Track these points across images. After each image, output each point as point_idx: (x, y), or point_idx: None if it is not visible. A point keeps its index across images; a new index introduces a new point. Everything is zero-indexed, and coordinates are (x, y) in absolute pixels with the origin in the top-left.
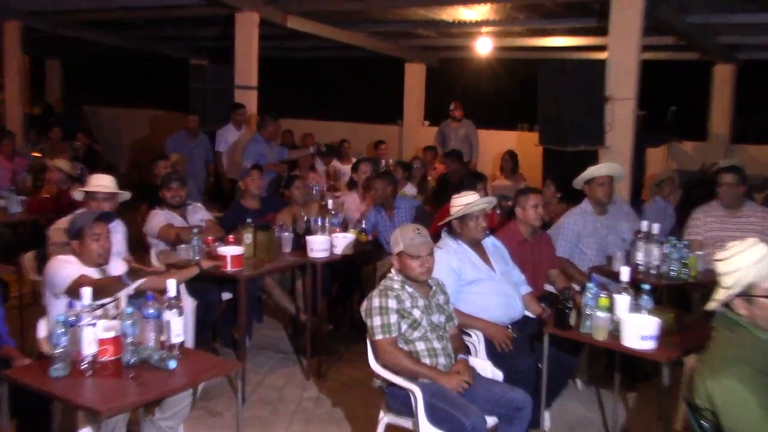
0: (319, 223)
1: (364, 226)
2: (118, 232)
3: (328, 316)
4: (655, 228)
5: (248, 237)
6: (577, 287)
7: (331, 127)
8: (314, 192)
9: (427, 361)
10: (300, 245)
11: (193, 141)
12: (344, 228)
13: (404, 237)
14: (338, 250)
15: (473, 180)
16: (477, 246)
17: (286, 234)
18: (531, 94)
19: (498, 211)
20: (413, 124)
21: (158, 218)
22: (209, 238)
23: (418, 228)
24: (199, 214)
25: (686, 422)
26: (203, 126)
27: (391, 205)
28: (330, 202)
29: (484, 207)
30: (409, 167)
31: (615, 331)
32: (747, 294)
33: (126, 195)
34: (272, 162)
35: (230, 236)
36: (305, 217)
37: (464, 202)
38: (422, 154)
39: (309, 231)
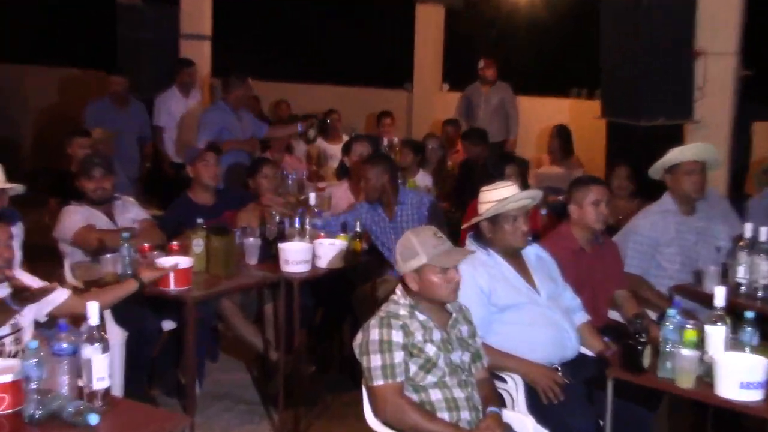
0: (297, 225)
1: (359, 228)
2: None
3: (309, 353)
4: (764, 233)
5: (199, 244)
6: (653, 315)
7: (315, 93)
8: (290, 182)
9: (445, 416)
10: (270, 255)
11: (122, 111)
12: (332, 232)
13: (425, 244)
14: (323, 262)
15: (507, 165)
16: (515, 258)
17: (252, 240)
18: (590, 47)
19: (544, 210)
20: (427, 88)
21: (74, 217)
22: (145, 245)
23: (437, 231)
24: (131, 212)
25: None
26: (137, 91)
27: (390, 201)
28: (312, 197)
29: (526, 204)
30: (421, 148)
31: (706, 376)
32: None
33: (18, 188)
34: (241, 138)
35: (174, 243)
36: (277, 217)
37: (497, 196)
38: (440, 130)
39: (283, 236)
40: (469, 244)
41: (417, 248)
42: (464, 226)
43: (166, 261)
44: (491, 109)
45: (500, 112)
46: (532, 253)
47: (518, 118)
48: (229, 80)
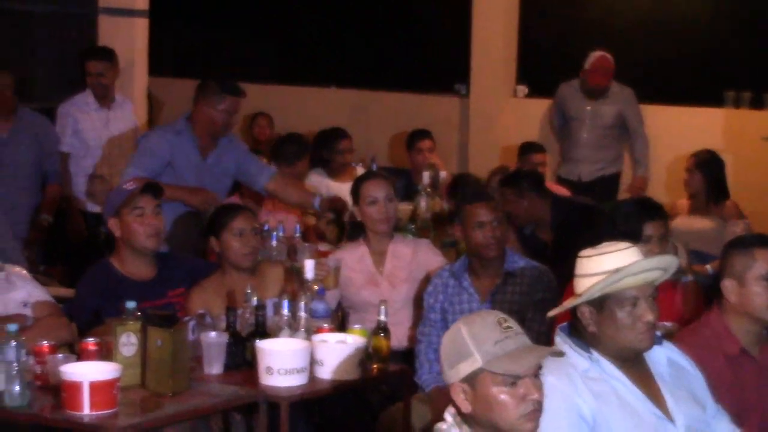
0: (285, 311)
1: (383, 317)
2: None
3: None
4: None
5: (129, 342)
6: None
7: (319, 100)
8: (274, 242)
9: None
10: (244, 360)
11: (3, 129)
12: (340, 322)
13: (481, 338)
14: (327, 372)
15: (650, 221)
16: (634, 365)
17: (214, 336)
18: (755, 31)
19: (683, 280)
20: (493, 92)
21: None
22: (43, 343)
23: (503, 318)
24: (21, 292)
25: None
26: (28, 98)
27: (494, 270)
28: (309, 266)
29: (653, 278)
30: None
31: None
32: None
33: None
34: (190, 186)
35: (89, 340)
36: (252, 298)
37: (606, 266)
38: (514, 158)
39: (263, 329)
40: (561, 341)
41: (468, 343)
42: (553, 313)
43: (72, 370)
44: (602, 126)
45: (615, 132)
46: (663, 357)
47: (648, 143)
48: (207, 87)
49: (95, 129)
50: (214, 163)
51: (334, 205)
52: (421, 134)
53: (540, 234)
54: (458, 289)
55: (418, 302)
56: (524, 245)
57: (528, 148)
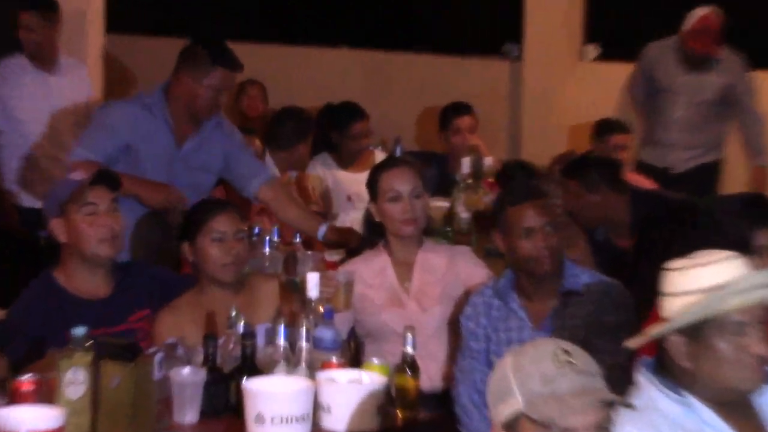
0: (281, 340)
1: (410, 348)
2: None
3: None
4: None
5: (77, 379)
6: None
7: (325, 64)
8: (267, 251)
9: None
10: (226, 404)
11: None
12: (353, 354)
13: (526, 374)
14: (336, 420)
15: (764, 226)
16: (737, 409)
17: (186, 372)
18: None
19: None
20: (554, 54)
21: None
22: None
23: (564, 349)
24: None
25: None
26: None
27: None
28: (312, 281)
29: (764, 297)
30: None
31: None
32: None
33: None
34: (183, 179)
35: (26, 377)
36: (238, 323)
37: (704, 282)
38: (584, 141)
39: (251, 363)
40: (644, 381)
41: (511, 379)
42: (633, 344)
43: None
44: (703, 102)
45: (718, 110)
46: None
47: (764, 123)
48: (192, 53)
49: (32, 99)
50: (190, 153)
51: (345, 238)
52: (459, 109)
53: (616, 240)
54: (505, 312)
55: (454, 328)
56: (596, 254)
57: (607, 128)
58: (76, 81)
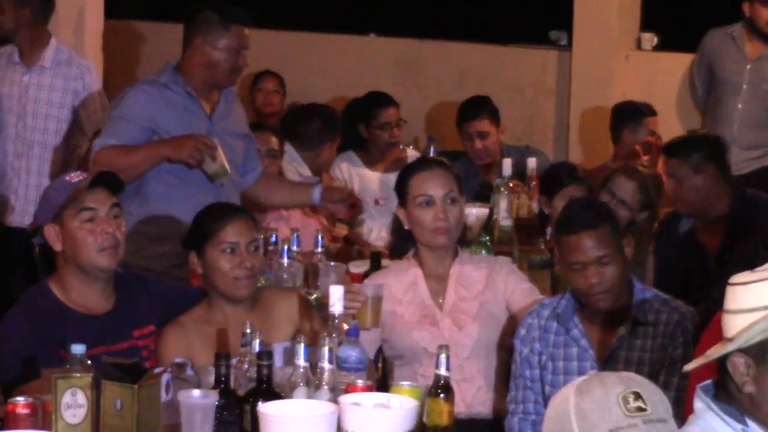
0: (301, 361)
1: (444, 370)
2: None
3: None
4: None
5: (75, 402)
6: None
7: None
8: (285, 261)
9: None
10: (240, 429)
11: None
12: (380, 376)
13: (588, 417)
14: None
15: None
16: None
17: (196, 395)
18: None
19: None
20: (607, 43)
21: None
22: None
23: (634, 393)
24: None
25: None
26: None
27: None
28: (337, 294)
29: None
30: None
31: None
32: None
33: None
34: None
35: (18, 400)
36: (253, 342)
37: None
38: (613, 130)
39: (267, 386)
40: (702, 407)
41: (573, 425)
42: (691, 366)
43: None
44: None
45: None
46: None
47: None
48: (200, 17)
49: (11, 98)
50: (220, 120)
51: (345, 196)
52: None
53: (700, 236)
54: (564, 338)
55: (491, 349)
56: (675, 246)
57: (634, 112)
58: (60, 79)
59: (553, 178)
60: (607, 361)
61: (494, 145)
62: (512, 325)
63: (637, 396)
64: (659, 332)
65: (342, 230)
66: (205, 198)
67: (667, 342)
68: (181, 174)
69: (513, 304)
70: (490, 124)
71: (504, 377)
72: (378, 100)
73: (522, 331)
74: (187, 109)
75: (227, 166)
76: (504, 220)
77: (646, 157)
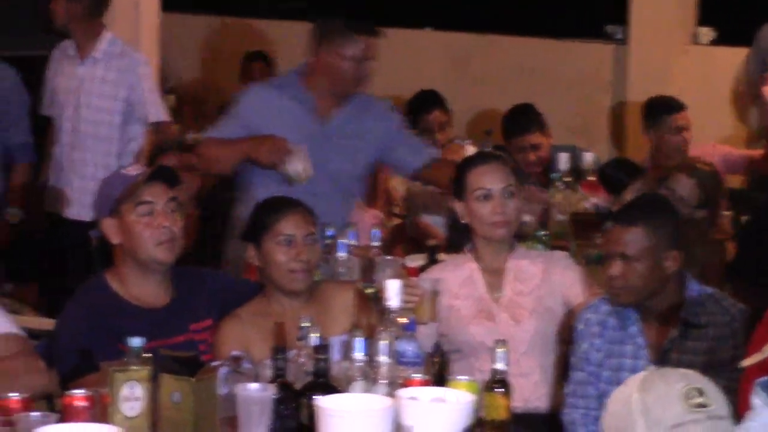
0: (359, 354)
1: (501, 364)
2: None
3: None
4: None
5: (132, 395)
6: None
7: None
8: (342, 255)
9: None
10: (297, 423)
11: None
12: (437, 370)
13: (650, 412)
14: None
15: None
16: None
17: (253, 388)
18: None
19: None
20: (663, 37)
21: None
22: (10, 396)
23: (696, 389)
24: None
25: None
26: None
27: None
28: (394, 288)
29: None
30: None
31: None
32: None
33: None
34: (332, 159)
35: (75, 393)
36: (310, 335)
37: None
38: (645, 126)
39: (324, 379)
40: (760, 404)
41: (636, 420)
42: (746, 363)
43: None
44: None
45: None
46: None
47: None
48: (327, 26)
49: (68, 91)
50: (337, 130)
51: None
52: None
53: None
54: (621, 335)
55: (548, 343)
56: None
57: (664, 107)
58: (113, 71)
59: (608, 173)
60: (658, 363)
61: (546, 152)
62: (570, 319)
63: (699, 392)
64: (710, 335)
65: (394, 221)
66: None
67: (716, 344)
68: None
69: (570, 299)
70: (540, 135)
71: (562, 372)
72: (423, 102)
73: (580, 326)
74: (296, 113)
75: (308, 172)
76: (560, 215)
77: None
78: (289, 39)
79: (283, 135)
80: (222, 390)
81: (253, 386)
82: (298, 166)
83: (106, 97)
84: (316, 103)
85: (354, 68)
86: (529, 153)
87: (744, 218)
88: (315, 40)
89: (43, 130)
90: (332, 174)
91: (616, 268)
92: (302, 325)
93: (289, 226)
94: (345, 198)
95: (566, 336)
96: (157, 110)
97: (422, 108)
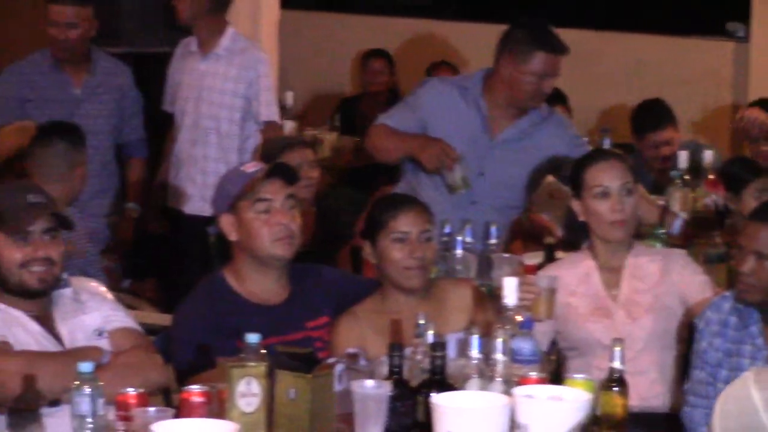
0: (475, 352)
1: (618, 362)
2: None
3: None
4: None
5: (249, 391)
6: None
7: None
8: (458, 252)
9: None
10: (413, 420)
11: (76, 81)
12: (554, 368)
13: None
14: None
15: None
16: None
17: (369, 385)
18: None
19: None
20: None
21: None
22: (127, 390)
23: None
24: (93, 315)
25: None
26: (114, 38)
27: None
28: (510, 286)
29: None
30: None
31: None
32: None
33: None
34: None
35: (192, 388)
36: (427, 333)
37: None
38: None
39: (441, 377)
40: None
41: (763, 419)
42: None
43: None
44: None
45: None
46: None
47: None
48: (511, 36)
49: (189, 87)
50: (506, 144)
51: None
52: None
53: None
54: (740, 334)
55: (666, 341)
56: None
57: None
58: (235, 68)
59: (736, 172)
60: None
61: (676, 146)
62: (689, 317)
63: None
64: None
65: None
66: (465, 212)
67: None
68: None
69: (689, 298)
70: (673, 130)
71: (681, 370)
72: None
73: (701, 324)
74: (469, 121)
75: (466, 182)
76: (679, 213)
77: None
78: (409, 36)
79: (451, 137)
80: (338, 387)
81: (369, 383)
82: (458, 174)
83: (227, 93)
84: (490, 113)
85: (533, 84)
86: (663, 148)
87: None
88: (498, 49)
89: (164, 127)
90: (492, 185)
91: (748, 264)
92: (419, 322)
93: (404, 224)
94: (504, 209)
95: (685, 334)
96: (270, 110)
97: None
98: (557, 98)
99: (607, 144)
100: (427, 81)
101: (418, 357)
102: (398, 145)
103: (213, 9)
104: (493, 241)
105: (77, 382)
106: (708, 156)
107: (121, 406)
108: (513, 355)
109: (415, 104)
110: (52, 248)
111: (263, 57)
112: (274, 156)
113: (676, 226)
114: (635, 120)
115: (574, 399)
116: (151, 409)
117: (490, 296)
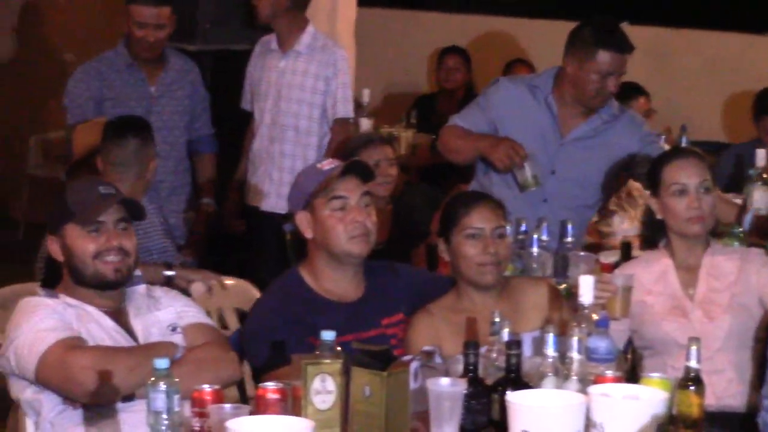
0: (551, 350)
1: (695, 362)
2: None
3: None
4: None
5: (324, 388)
6: None
7: None
8: (534, 250)
9: None
10: (488, 419)
11: (153, 79)
12: (630, 367)
13: None
14: None
15: None
16: None
17: (445, 383)
18: None
19: None
20: None
21: (38, 324)
22: (203, 388)
23: None
24: (167, 311)
25: None
26: (191, 38)
27: None
28: (585, 284)
29: None
30: None
31: None
32: None
33: None
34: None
35: (267, 385)
36: (502, 331)
37: None
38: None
39: (516, 375)
40: None
41: None
42: None
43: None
44: None
45: None
46: None
47: None
48: (578, 34)
49: (268, 84)
50: (574, 144)
51: None
52: None
53: None
54: None
55: (743, 341)
56: None
57: None
58: (314, 65)
59: None
60: None
61: None
62: (767, 317)
63: None
64: None
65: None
66: (536, 210)
67: None
68: None
69: (766, 298)
70: None
71: (759, 371)
72: (625, 94)
73: None
74: (538, 119)
75: (537, 180)
76: (758, 212)
77: None
78: (485, 33)
79: (522, 136)
80: (413, 385)
81: (445, 381)
82: (528, 172)
83: (307, 90)
84: (559, 111)
85: (596, 82)
86: None
87: None
88: (565, 47)
89: (243, 125)
90: (564, 183)
91: None
92: (494, 320)
93: (477, 220)
94: (576, 207)
95: (762, 334)
96: (346, 107)
97: (627, 98)
98: (638, 91)
99: (684, 142)
100: (497, 81)
101: (494, 355)
102: (469, 145)
103: (292, 7)
104: (569, 239)
105: (153, 379)
106: None
107: (197, 403)
108: (588, 354)
109: (486, 105)
110: (125, 238)
111: (343, 54)
112: (354, 153)
113: (747, 220)
114: (758, 103)
115: (650, 398)
116: (227, 405)
117: (565, 295)
